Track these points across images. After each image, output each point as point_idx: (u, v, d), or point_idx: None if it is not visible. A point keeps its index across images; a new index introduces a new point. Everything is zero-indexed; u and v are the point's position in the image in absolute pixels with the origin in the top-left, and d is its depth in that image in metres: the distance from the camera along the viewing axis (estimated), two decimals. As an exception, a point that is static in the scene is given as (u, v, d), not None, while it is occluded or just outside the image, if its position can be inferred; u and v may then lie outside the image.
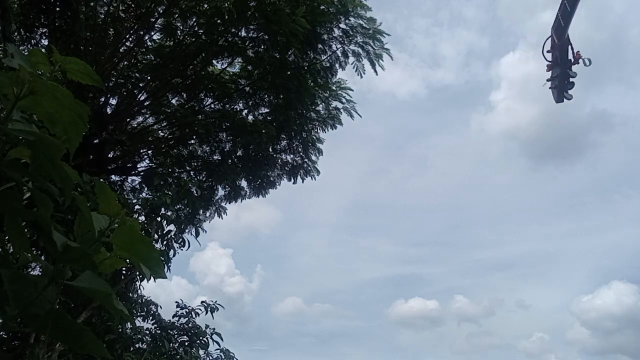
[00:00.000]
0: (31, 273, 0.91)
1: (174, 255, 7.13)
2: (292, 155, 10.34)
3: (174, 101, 9.69)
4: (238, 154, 9.72)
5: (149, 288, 9.17)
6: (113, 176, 9.39)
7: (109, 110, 9.14)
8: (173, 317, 8.86)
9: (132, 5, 8.10)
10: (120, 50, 8.47)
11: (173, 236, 7.02)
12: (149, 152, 10.06)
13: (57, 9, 7.14)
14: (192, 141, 9.94)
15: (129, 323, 7.14)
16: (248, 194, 10.60)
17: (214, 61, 9.05)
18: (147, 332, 8.44)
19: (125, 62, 8.78)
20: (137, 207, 7.03)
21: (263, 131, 8.76)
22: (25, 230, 0.92)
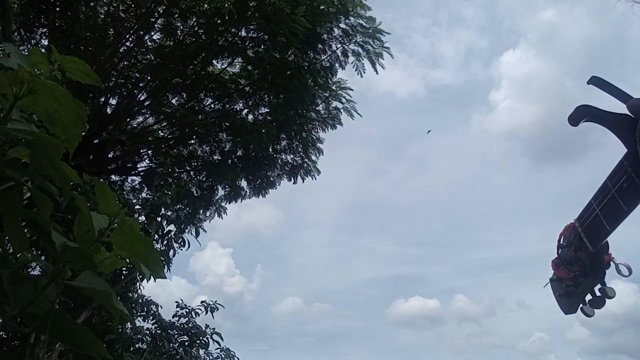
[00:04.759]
0: (31, 273, 0.91)
1: (174, 255, 7.14)
2: (292, 155, 10.34)
3: (174, 101, 9.69)
4: (238, 154, 9.72)
5: (149, 288, 9.19)
6: (113, 176, 9.39)
7: (109, 110, 9.14)
8: (173, 317, 8.87)
9: (132, 5, 8.09)
10: (120, 50, 8.47)
11: (173, 236, 7.02)
12: (149, 152, 10.06)
13: (57, 9, 7.14)
14: (192, 141, 9.93)
15: (129, 323, 7.14)
16: (248, 194, 10.61)
17: (214, 61, 9.06)
18: (147, 332, 8.45)
19: (125, 62, 8.78)
20: (137, 207, 7.03)
21: (263, 131, 8.76)
22: (25, 230, 0.92)
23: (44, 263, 0.88)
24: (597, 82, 0.90)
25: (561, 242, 1.09)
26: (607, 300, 1.01)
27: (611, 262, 1.00)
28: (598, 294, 1.04)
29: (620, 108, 0.89)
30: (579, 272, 1.02)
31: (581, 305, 1.07)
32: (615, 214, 0.86)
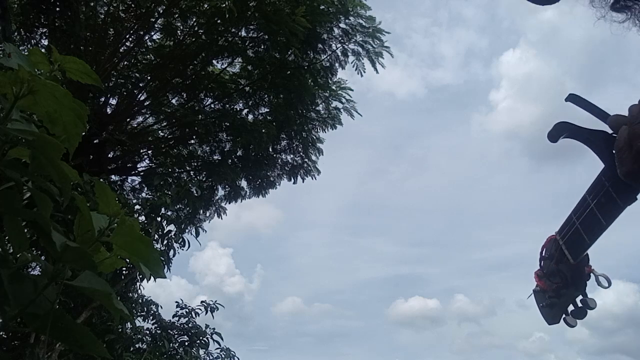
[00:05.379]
0: (31, 273, 0.91)
1: (174, 255, 7.15)
2: (292, 155, 10.34)
3: (174, 101, 9.69)
4: (238, 154, 9.72)
5: (149, 288, 9.19)
6: (113, 176, 9.39)
7: (109, 110, 9.14)
8: (173, 317, 8.88)
9: (132, 5, 8.09)
10: (120, 50, 8.47)
11: (173, 236, 7.03)
12: (149, 152, 10.05)
13: (57, 9, 7.14)
14: (192, 141, 9.93)
15: (129, 323, 7.15)
16: (248, 194, 10.60)
17: (214, 61, 9.06)
18: (147, 332, 8.45)
19: (125, 62, 8.78)
20: (137, 207, 7.04)
21: (263, 131, 8.76)
22: (25, 230, 0.92)
23: (44, 263, 0.88)
24: (574, 99, 0.93)
25: (543, 254, 1.12)
26: (588, 311, 1.04)
27: (591, 274, 1.02)
28: (580, 304, 1.06)
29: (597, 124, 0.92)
30: (561, 284, 1.05)
31: (564, 315, 1.09)
32: (594, 228, 0.90)
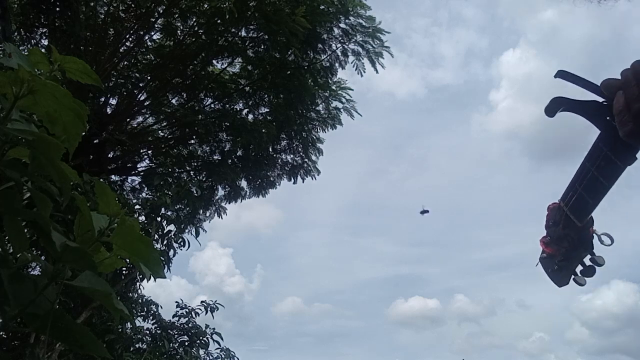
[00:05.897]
0: (31, 273, 0.91)
1: (174, 255, 7.14)
2: (292, 155, 10.34)
3: (174, 101, 9.69)
4: (238, 154, 9.72)
5: (149, 288, 9.20)
6: (113, 176, 9.39)
7: (109, 110, 9.14)
8: (173, 317, 8.88)
9: (132, 5, 8.10)
10: (120, 50, 8.47)
11: (173, 236, 7.02)
12: (149, 152, 10.06)
13: (57, 9, 7.14)
14: (192, 141, 9.94)
15: (129, 323, 7.15)
16: (248, 194, 10.60)
17: (214, 61, 9.06)
18: (147, 332, 8.46)
19: (125, 62, 8.78)
20: (137, 207, 7.03)
21: (263, 131, 8.76)
22: (25, 230, 0.92)
23: (44, 263, 0.88)
24: (564, 75, 0.98)
25: (549, 222, 1.19)
26: (597, 268, 1.11)
27: (594, 234, 1.09)
28: (589, 263, 1.12)
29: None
30: (570, 247, 1.11)
31: (573, 276, 1.17)
32: (597, 190, 0.95)
